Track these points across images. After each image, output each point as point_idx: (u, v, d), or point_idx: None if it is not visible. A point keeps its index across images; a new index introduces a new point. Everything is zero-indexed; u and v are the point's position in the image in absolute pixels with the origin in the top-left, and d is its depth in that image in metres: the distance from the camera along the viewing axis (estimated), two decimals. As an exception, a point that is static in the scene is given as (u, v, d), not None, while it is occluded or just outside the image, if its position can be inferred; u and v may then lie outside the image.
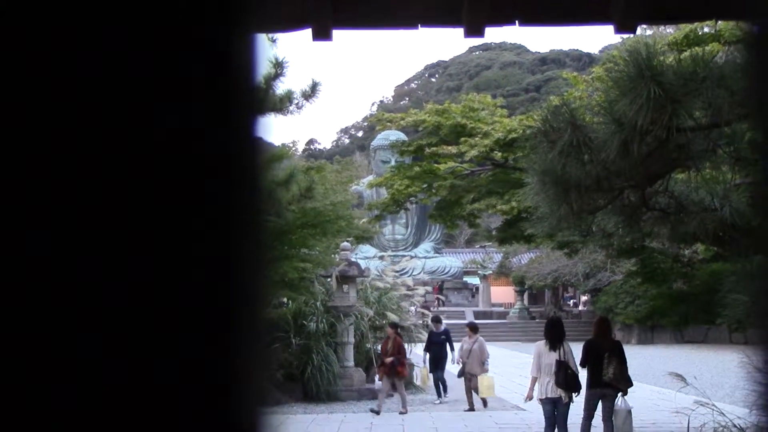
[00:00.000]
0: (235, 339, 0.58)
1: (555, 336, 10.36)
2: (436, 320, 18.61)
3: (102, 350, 0.53)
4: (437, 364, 17.45)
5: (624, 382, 10.03)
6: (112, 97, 0.54)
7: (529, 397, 11.22)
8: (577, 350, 10.34)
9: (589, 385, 10.14)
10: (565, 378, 10.06)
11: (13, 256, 0.53)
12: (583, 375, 10.22)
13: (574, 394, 10.24)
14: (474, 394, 15.85)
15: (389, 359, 15.71)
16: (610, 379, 9.90)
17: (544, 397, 10.34)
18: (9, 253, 0.52)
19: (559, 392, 10.13)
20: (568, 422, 10.24)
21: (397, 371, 15.75)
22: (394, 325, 17.01)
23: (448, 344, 17.64)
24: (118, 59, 0.54)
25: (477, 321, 44.37)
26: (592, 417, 10.14)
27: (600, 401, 10.07)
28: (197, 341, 0.56)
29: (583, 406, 10.17)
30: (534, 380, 10.66)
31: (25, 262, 0.53)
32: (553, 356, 10.16)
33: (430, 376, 17.79)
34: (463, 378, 16.14)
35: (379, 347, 17.27)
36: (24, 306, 0.53)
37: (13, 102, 0.53)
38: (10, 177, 0.52)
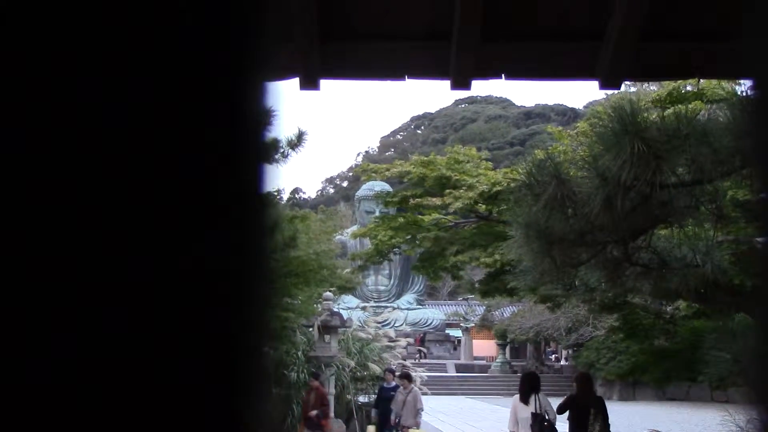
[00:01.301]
0: (233, 389, 0.57)
1: (527, 389, 10.31)
2: (389, 371, 16.66)
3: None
4: (386, 423, 15.27)
5: (606, 439, 9.97)
6: (101, 149, 0.53)
7: (508, 451, 11.11)
8: (556, 404, 10.27)
9: (572, 442, 10.06)
10: (541, 430, 9.99)
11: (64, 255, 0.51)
12: (562, 427, 10.15)
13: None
14: None
15: (314, 412, 14.45)
16: (593, 436, 9.83)
17: (523, 450, 10.25)
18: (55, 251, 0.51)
19: (538, 446, 10.05)
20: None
21: (320, 425, 14.50)
22: (316, 375, 15.58)
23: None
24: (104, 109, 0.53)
25: (459, 374, 44.11)
26: (574, 473, 10.05)
27: (582, 458, 9.98)
28: (197, 390, 0.55)
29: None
30: (512, 434, 10.58)
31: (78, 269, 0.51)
32: (529, 409, 10.11)
33: None
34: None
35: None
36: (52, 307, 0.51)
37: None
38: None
